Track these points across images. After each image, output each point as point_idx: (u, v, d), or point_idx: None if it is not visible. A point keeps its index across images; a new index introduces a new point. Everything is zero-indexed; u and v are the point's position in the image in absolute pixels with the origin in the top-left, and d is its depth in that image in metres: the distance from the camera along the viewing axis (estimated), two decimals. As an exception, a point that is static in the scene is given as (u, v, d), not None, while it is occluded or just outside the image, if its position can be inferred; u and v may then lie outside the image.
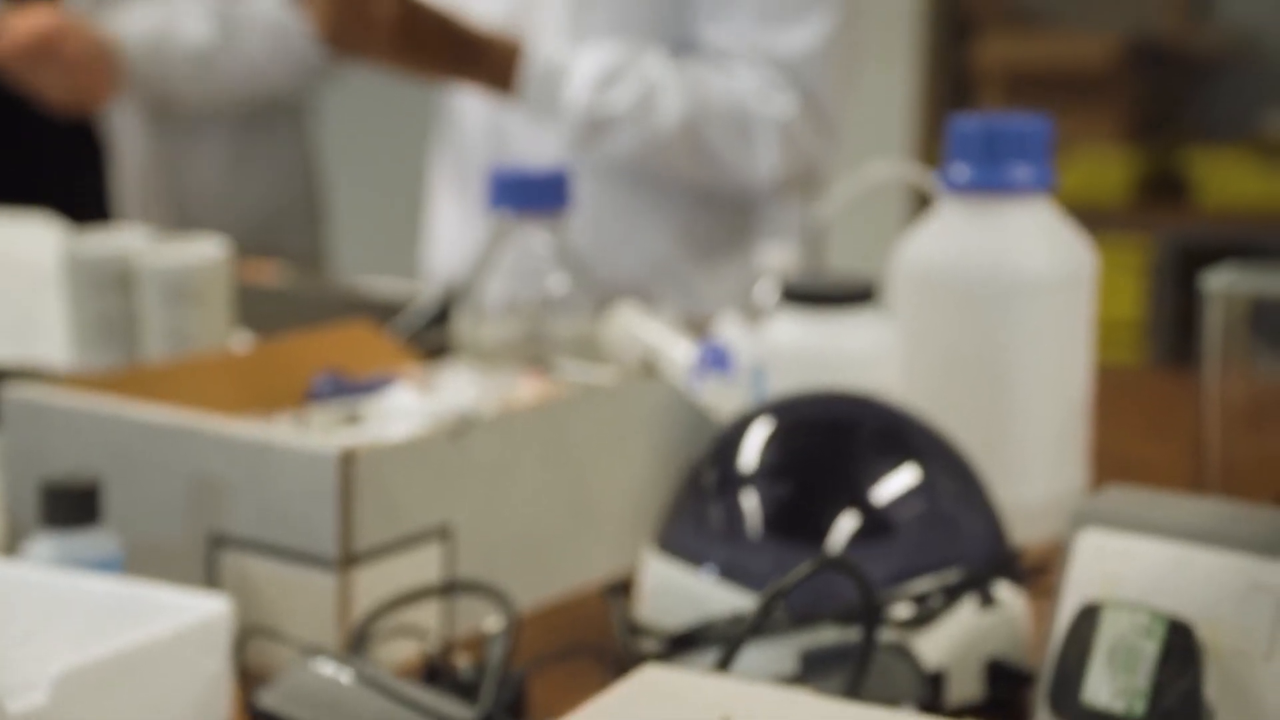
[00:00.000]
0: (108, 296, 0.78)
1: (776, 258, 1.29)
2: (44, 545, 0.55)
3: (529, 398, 0.70)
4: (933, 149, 2.41)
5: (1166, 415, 0.99)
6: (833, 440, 0.60)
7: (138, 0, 1.42)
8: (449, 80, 1.18)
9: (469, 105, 1.27)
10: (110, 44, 1.36)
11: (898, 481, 0.58)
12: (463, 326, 0.82)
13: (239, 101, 1.47)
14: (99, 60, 1.34)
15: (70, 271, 0.79)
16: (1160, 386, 1.20)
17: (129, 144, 1.47)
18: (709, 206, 1.25)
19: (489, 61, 1.16)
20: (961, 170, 0.76)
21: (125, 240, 0.80)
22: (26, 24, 1.33)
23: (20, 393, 0.67)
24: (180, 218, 1.47)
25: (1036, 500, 0.75)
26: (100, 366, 0.78)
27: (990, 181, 0.75)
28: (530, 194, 0.81)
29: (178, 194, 1.48)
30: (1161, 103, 2.64)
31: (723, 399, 0.76)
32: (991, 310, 0.74)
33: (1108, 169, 2.43)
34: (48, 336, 0.87)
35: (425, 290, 1.03)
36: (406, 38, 1.12)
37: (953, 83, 2.58)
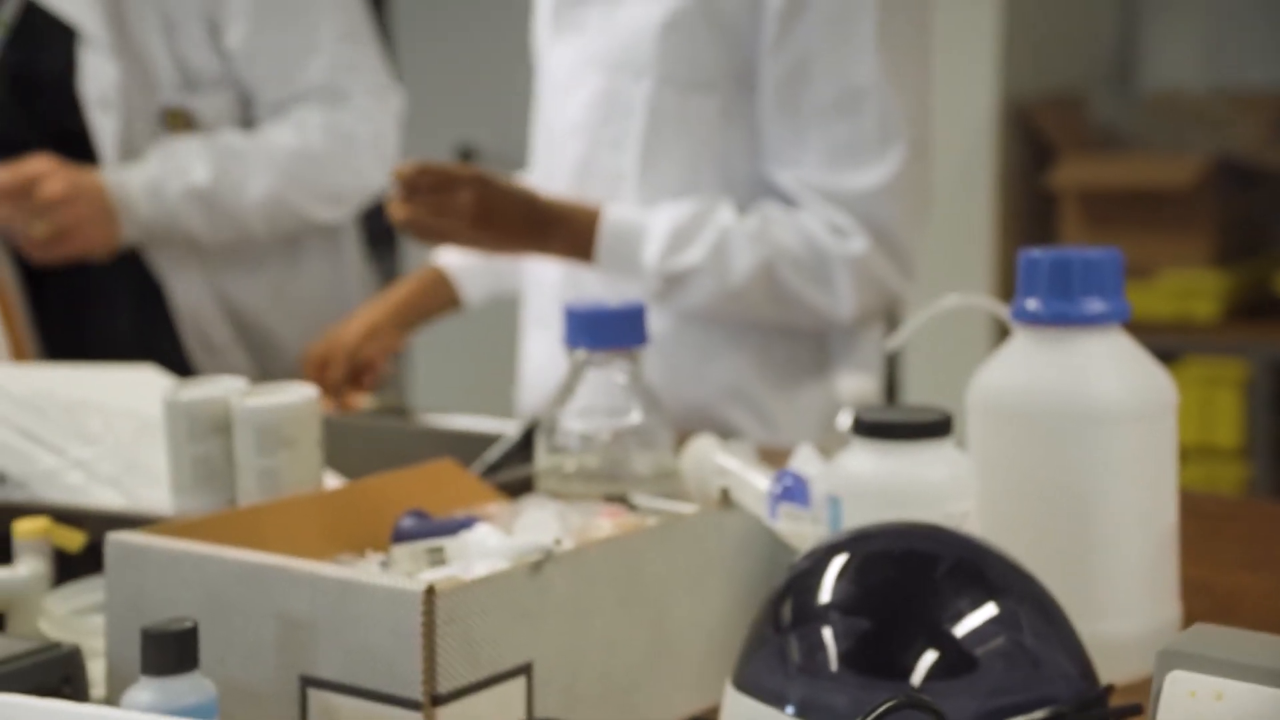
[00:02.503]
0: (206, 442, 0.81)
1: (854, 388, 1.29)
2: (144, 693, 0.57)
3: (609, 531, 0.71)
4: (1015, 274, 2.41)
5: (1264, 545, 0.97)
6: (912, 574, 0.60)
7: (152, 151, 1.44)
8: (528, 254, 1.23)
9: None
10: (102, 185, 1.38)
11: (979, 616, 0.58)
12: (542, 462, 0.83)
13: (271, 232, 1.48)
14: (82, 198, 1.36)
15: (170, 418, 0.82)
16: (1261, 513, 1.17)
17: (187, 296, 1.48)
18: (786, 335, 1.26)
19: (565, 233, 1.19)
20: (1033, 303, 0.76)
21: (224, 386, 0.83)
22: (8, 169, 1.37)
23: (120, 538, 0.69)
24: (253, 366, 1.49)
25: (1124, 636, 0.73)
26: (200, 511, 0.81)
27: (1061, 314, 0.75)
28: (606, 331, 0.83)
29: (240, 337, 1.50)
30: (1250, 222, 2.61)
31: (800, 531, 0.76)
32: (1067, 442, 0.74)
33: (1199, 290, 2.40)
34: (157, 484, 0.89)
35: (508, 426, 1.05)
36: (486, 221, 1.17)
37: (1035, 208, 2.58)
